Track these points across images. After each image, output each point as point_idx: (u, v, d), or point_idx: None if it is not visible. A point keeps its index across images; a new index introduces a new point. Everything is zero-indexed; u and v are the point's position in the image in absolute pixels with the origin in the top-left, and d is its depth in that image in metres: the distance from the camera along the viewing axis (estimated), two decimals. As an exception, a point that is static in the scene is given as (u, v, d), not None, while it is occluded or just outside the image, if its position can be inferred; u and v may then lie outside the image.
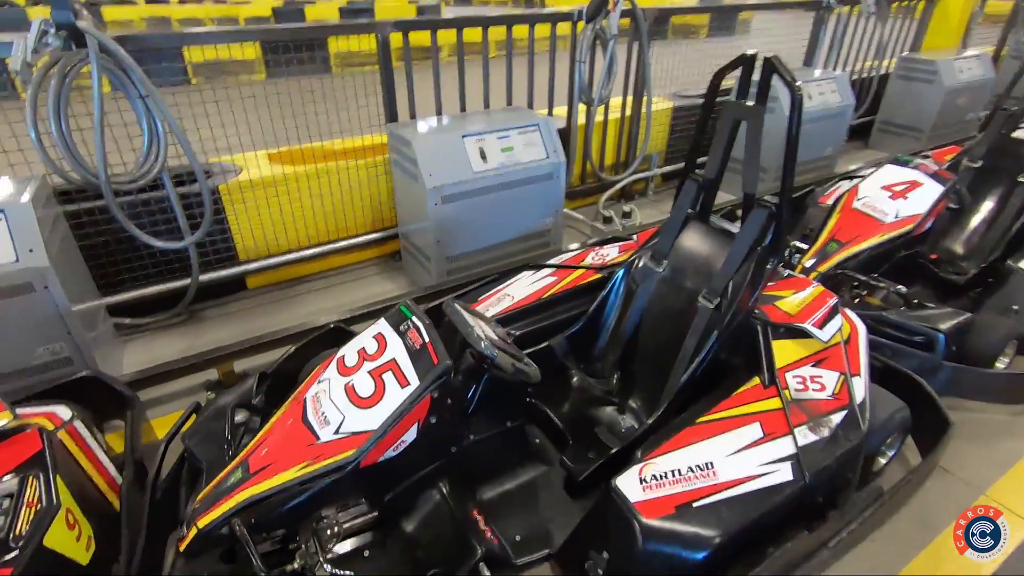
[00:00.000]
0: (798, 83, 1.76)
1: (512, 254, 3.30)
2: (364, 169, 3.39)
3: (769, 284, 2.26)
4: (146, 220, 2.82)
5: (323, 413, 1.53)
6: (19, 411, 1.72)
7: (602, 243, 2.91)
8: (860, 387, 1.92)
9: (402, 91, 3.20)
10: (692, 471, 1.66)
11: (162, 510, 1.71)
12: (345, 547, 1.63)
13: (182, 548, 1.47)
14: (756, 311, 2.09)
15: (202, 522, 1.46)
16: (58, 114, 2.26)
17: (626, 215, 4.04)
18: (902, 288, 2.68)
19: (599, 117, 4.04)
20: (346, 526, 1.64)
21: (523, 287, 2.53)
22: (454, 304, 1.79)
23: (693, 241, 2.27)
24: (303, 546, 1.53)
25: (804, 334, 2.02)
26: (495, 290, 2.55)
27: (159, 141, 2.53)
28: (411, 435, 1.52)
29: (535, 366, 1.71)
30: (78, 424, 1.76)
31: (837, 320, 2.09)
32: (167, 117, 2.43)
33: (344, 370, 1.61)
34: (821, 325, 2.04)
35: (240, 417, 1.86)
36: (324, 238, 3.44)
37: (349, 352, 1.67)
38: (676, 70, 4.51)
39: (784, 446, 1.72)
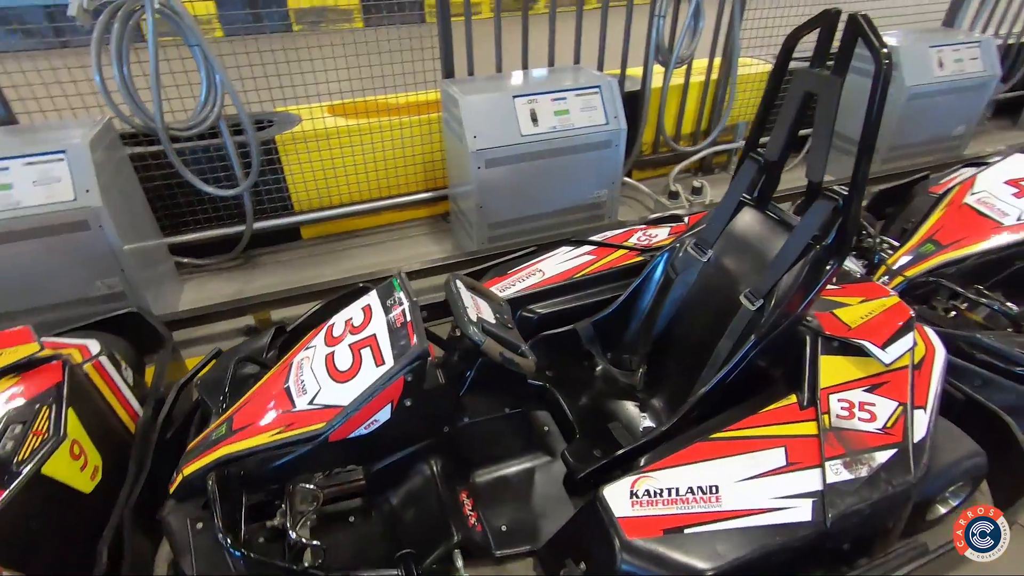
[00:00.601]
0: (886, 49, 1.42)
1: (561, 225, 3.12)
2: (419, 126, 3.32)
3: (832, 287, 1.95)
4: (206, 167, 2.93)
5: (302, 381, 1.51)
6: (56, 341, 1.86)
7: (657, 221, 2.66)
8: (922, 422, 1.61)
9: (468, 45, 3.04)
10: (692, 492, 1.48)
11: (171, 450, 1.79)
12: (334, 508, 1.65)
13: (170, 491, 1.53)
14: (808, 319, 1.81)
15: (187, 470, 1.51)
16: (120, 59, 2.35)
17: (696, 191, 3.69)
18: (1012, 307, 2.22)
19: (678, 80, 3.67)
20: (335, 490, 1.64)
21: (557, 263, 2.38)
22: (455, 281, 1.69)
23: (745, 230, 1.99)
24: (283, 505, 1.55)
25: (862, 352, 1.72)
26: (529, 263, 2.41)
27: (216, 89, 2.59)
28: (384, 415, 1.47)
29: (531, 359, 1.58)
30: (104, 359, 1.87)
31: (908, 339, 1.76)
32: (214, 66, 2.46)
33: (329, 340, 1.58)
34: (885, 344, 1.73)
35: (248, 370, 1.90)
36: (376, 194, 3.44)
37: (338, 321, 1.63)
38: (779, 27, 3.97)
39: (809, 480, 1.49)
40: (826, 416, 1.61)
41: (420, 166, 3.45)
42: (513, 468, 1.92)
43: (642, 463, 1.60)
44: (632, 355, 2.22)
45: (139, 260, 2.51)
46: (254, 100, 2.97)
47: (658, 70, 3.46)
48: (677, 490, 1.48)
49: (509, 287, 2.27)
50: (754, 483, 1.49)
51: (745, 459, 1.54)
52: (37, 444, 1.48)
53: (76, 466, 1.55)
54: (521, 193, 2.92)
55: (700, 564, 1.36)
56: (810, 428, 1.60)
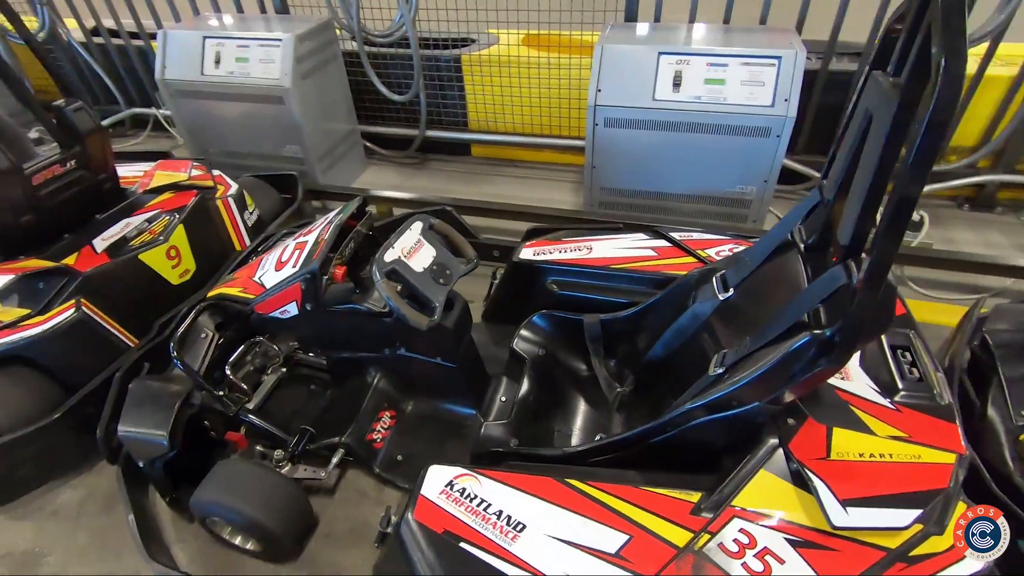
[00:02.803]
0: (964, 47, 0.86)
1: (687, 213, 2.71)
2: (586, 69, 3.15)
3: (889, 406, 1.37)
4: (400, 72, 3.38)
5: (266, 259, 1.83)
6: (218, 175, 2.57)
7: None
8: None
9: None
10: (498, 517, 1.36)
11: None
12: (308, 373, 2.03)
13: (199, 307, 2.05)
14: (793, 420, 1.34)
15: (209, 295, 2.02)
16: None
17: (912, 225, 2.69)
18: None
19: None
20: (305, 361, 2.01)
21: (613, 247, 2.17)
22: (417, 221, 1.74)
23: (775, 277, 1.51)
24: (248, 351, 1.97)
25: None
26: (585, 237, 2.25)
27: (412, 4, 2.93)
28: (292, 309, 1.70)
29: (424, 317, 1.57)
30: (231, 199, 2.52)
31: (909, 514, 1.16)
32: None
33: (299, 234, 1.84)
34: (854, 501, 1.18)
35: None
36: (541, 130, 3.46)
37: (316, 222, 1.87)
38: None
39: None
40: (707, 536, 1.25)
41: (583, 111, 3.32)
42: (444, 415, 1.99)
43: (503, 464, 1.53)
44: (624, 367, 1.96)
45: (320, 137, 3.16)
46: (465, 20, 3.20)
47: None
48: (488, 506, 1.38)
49: (548, 252, 2.18)
50: (562, 548, 1.29)
51: (579, 521, 1.33)
52: (147, 239, 2.18)
53: (169, 264, 2.23)
54: (642, 164, 2.61)
55: None
56: (679, 537, 1.27)
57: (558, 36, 3.23)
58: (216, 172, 2.64)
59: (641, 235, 2.21)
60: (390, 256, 1.60)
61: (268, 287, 1.71)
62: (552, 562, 1.27)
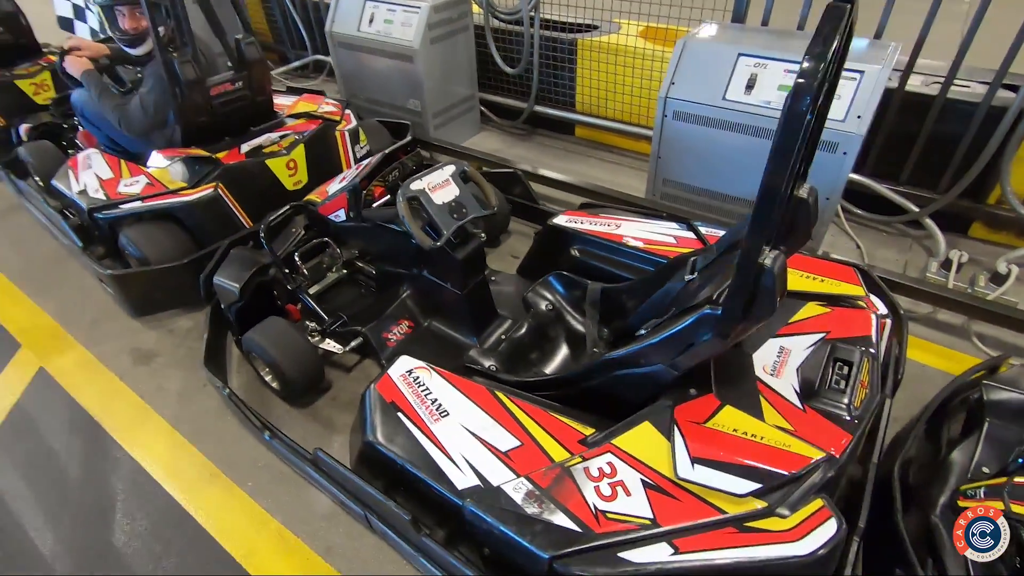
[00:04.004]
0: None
1: (741, 216, 2.70)
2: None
3: (781, 398, 1.44)
4: (520, 48, 3.71)
5: (340, 176, 2.31)
6: (347, 115, 3.15)
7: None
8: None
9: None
10: (434, 403, 1.68)
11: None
12: (360, 277, 2.53)
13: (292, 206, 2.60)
14: (686, 392, 1.48)
15: (304, 199, 2.56)
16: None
17: (996, 278, 2.39)
18: None
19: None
20: (358, 267, 2.49)
21: (640, 228, 2.34)
22: (449, 164, 2.07)
23: (729, 263, 1.59)
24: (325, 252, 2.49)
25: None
26: (619, 216, 2.43)
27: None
28: (341, 215, 2.16)
29: (429, 239, 1.90)
30: (348, 132, 3.07)
31: (748, 485, 1.25)
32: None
33: (368, 161, 2.29)
34: (705, 460, 1.29)
35: None
36: (641, 120, 3.58)
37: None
38: None
39: (496, 471, 1.48)
40: (579, 459, 1.45)
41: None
42: (449, 338, 2.32)
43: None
44: (612, 329, 2.14)
45: (438, 96, 3.63)
46: (591, 7, 3.43)
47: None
48: (429, 393, 1.71)
49: (580, 222, 2.41)
50: (468, 438, 1.57)
51: (489, 422, 1.60)
52: (275, 150, 2.79)
53: (287, 172, 2.83)
54: (705, 162, 2.67)
55: (371, 436, 1.61)
56: (559, 455, 1.49)
57: (675, 31, 3.31)
58: (348, 111, 3.23)
59: (674, 224, 2.33)
60: (416, 186, 1.96)
61: (330, 194, 2.19)
62: (456, 443, 1.56)
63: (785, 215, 1.45)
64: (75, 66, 2.76)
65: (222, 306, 2.27)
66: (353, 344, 2.24)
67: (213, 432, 2.12)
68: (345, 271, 2.55)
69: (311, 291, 2.41)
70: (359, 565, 1.73)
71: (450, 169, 2.07)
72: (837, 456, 1.31)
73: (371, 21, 3.58)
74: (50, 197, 3.02)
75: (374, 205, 2.17)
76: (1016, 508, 1.31)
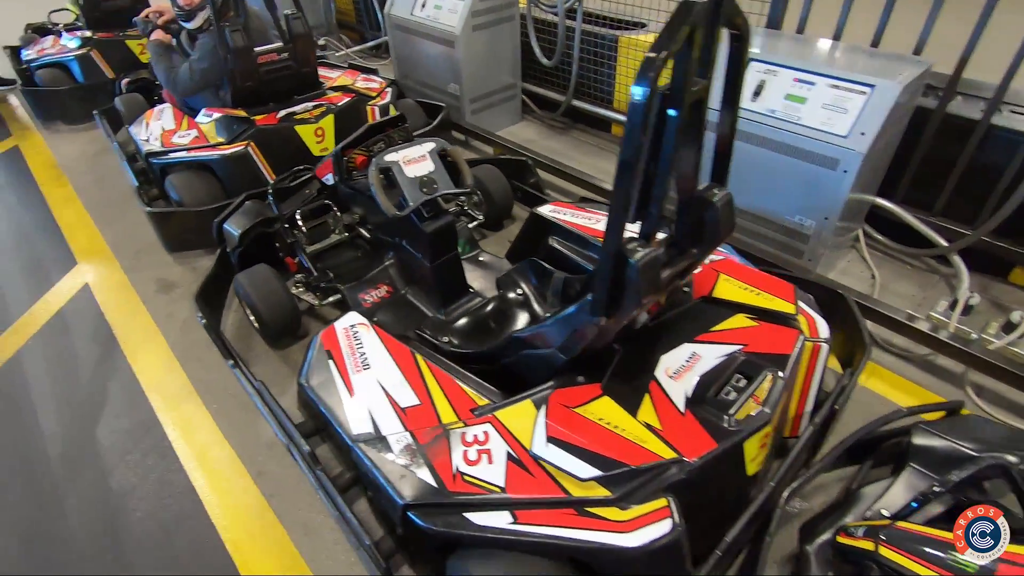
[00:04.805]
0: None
1: (743, 231, 2.60)
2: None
3: (668, 400, 1.44)
4: (555, 39, 3.72)
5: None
6: (384, 96, 3.36)
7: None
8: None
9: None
10: (361, 355, 1.81)
11: None
12: (359, 241, 2.71)
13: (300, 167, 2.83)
14: (573, 379, 1.51)
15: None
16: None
17: (1008, 326, 2.13)
18: None
19: None
20: (356, 232, 2.67)
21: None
22: (433, 142, 2.18)
23: None
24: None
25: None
26: (599, 211, 2.45)
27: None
28: (330, 179, 2.34)
29: (392, 209, 2.02)
30: (378, 108, 3.27)
31: (589, 470, 1.27)
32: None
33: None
34: (564, 448, 1.32)
35: None
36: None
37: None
38: None
39: (389, 422, 1.60)
40: (461, 424, 1.53)
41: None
42: (418, 307, 2.43)
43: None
44: None
45: (476, 82, 3.76)
46: (639, 5, 3.41)
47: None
48: (360, 346, 1.85)
49: (561, 213, 2.45)
50: (377, 391, 1.69)
51: (400, 379, 1.71)
52: (306, 117, 3.04)
53: (315, 139, 3.09)
54: (705, 165, 2.58)
55: (303, 377, 1.79)
56: (448, 418, 1.58)
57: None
58: (388, 89, 3.44)
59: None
60: (390, 157, 2.10)
61: (325, 160, 2.38)
62: (366, 394, 1.69)
63: (688, 217, 1.44)
64: (153, 35, 3.18)
65: (227, 250, 2.54)
66: (331, 299, 2.42)
67: (200, 359, 2.40)
68: (346, 234, 2.75)
69: (309, 249, 2.62)
70: (281, 489, 1.91)
71: (428, 146, 2.18)
72: (689, 460, 1.29)
73: (423, 5, 3.76)
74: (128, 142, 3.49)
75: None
76: (885, 552, 1.24)
